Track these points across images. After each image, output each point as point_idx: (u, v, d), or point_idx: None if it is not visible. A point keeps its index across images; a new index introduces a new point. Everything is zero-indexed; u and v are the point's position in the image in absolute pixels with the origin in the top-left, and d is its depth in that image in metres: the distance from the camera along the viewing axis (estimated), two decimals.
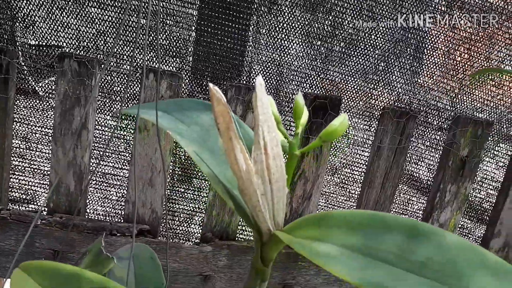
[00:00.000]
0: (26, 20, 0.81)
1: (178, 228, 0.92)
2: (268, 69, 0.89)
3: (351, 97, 0.83)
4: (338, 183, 0.92)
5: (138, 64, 0.88)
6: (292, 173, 0.34)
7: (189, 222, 0.93)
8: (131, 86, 0.84)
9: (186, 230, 0.93)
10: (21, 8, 0.83)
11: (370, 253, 0.25)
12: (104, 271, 0.40)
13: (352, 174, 0.91)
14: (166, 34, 0.83)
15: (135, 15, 0.82)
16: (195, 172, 0.93)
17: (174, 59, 0.84)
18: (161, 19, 0.82)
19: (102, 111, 0.86)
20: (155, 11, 0.80)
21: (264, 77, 0.89)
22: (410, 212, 0.97)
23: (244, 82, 0.93)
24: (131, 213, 0.85)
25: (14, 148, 0.86)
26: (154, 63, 0.87)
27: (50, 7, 0.81)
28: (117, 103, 0.84)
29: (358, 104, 0.83)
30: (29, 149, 0.87)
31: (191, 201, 0.92)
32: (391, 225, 0.29)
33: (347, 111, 0.84)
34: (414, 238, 0.25)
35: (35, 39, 0.86)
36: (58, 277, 0.27)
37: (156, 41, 0.84)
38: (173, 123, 0.39)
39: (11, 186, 0.88)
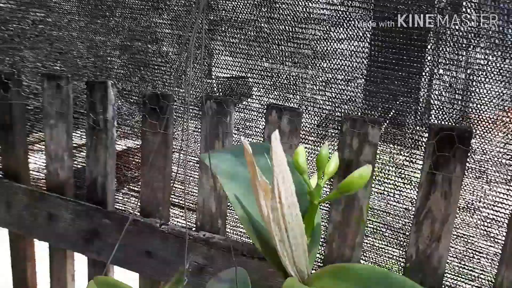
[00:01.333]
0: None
1: None
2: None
3: (486, 128, 0.72)
4: (477, 224, 0.80)
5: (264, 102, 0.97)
6: (313, 222, 0.35)
7: None
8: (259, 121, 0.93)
9: None
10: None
11: None
12: None
13: (495, 216, 0.78)
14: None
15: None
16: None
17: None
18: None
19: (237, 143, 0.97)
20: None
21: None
22: None
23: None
24: None
25: (173, 174, 1.05)
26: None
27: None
28: (251, 137, 0.94)
29: (497, 136, 0.71)
30: (184, 175, 1.05)
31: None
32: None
33: (482, 143, 0.73)
34: None
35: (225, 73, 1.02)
36: None
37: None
38: (232, 167, 0.44)
39: (171, 204, 1.07)
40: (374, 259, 0.92)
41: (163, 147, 0.98)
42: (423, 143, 0.81)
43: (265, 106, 0.87)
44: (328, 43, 0.78)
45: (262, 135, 0.98)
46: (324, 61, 0.80)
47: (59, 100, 1.08)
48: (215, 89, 0.95)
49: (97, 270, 1.09)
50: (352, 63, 0.80)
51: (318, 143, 0.89)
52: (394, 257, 0.90)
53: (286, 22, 0.81)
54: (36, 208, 1.11)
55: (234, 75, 0.95)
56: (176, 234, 0.98)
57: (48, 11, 1.07)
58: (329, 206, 0.90)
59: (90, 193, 1.08)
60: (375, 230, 0.90)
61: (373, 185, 0.84)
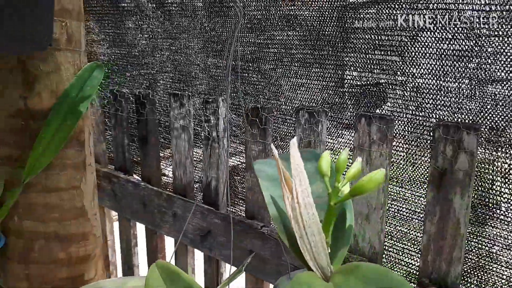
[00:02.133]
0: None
1: (391, 265, 0.92)
2: None
3: None
4: None
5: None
6: (331, 221, 0.38)
7: (401, 260, 0.91)
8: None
9: (399, 269, 0.92)
10: None
11: None
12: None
13: None
14: None
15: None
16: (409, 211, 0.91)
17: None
18: None
19: (331, 150, 1.00)
20: None
21: None
22: None
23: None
24: (353, 244, 0.93)
25: None
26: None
27: None
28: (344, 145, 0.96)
29: None
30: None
31: (407, 240, 0.91)
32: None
33: None
34: None
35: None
36: (174, 277, 0.43)
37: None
38: (275, 171, 0.49)
39: None
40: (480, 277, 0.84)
41: (263, 155, 1.07)
42: None
43: (355, 115, 0.88)
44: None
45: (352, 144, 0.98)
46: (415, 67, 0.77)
47: (182, 115, 1.25)
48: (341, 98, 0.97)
49: (209, 265, 1.22)
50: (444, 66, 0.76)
51: (412, 151, 0.86)
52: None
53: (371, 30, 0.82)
54: (164, 208, 1.30)
55: (367, 83, 0.95)
56: (275, 236, 1.05)
57: (174, 40, 1.26)
58: (423, 217, 0.86)
59: (205, 196, 1.22)
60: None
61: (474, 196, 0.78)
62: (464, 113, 0.77)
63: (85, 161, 0.69)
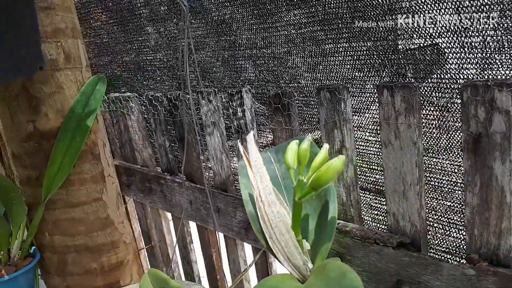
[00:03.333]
0: None
1: (438, 242, 0.85)
2: None
3: None
4: None
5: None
6: (298, 218, 0.35)
7: (448, 235, 0.84)
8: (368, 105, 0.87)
9: (446, 245, 0.85)
10: None
11: None
12: None
13: None
14: None
15: None
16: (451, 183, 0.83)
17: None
18: None
19: (359, 128, 0.94)
20: None
21: None
22: None
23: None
24: (393, 223, 0.88)
25: None
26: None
27: None
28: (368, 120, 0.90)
29: None
30: None
31: (450, 213, 0.83)
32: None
33: None
34: None
35: None
36: (162, 283, 0.43)
37: None
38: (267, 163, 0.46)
39: None
40: None
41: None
42: None
43: (376, 87, 0.82)
44: None
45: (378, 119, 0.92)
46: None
47: (212, 111, 1.26)
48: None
49: (257, 255, 1.22)
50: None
51: (444, 118, 0.78)
52: None
53: None
54: (207, 203, 1.32)
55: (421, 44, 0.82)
56: None
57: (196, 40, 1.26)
58: (463, 189, 0.78)
59: None
60: None
61: None
62: (494, 69, 0.68)
63: (103, 172, 0.71)
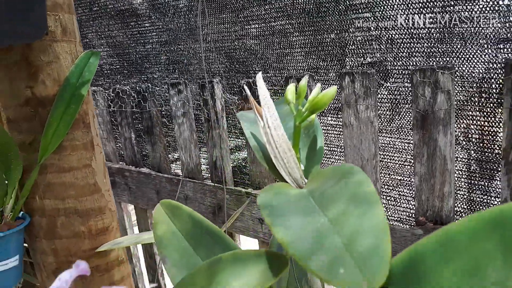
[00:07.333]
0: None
1: (390, 213, 0.97)
2: None
3: None
4: None
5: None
6: (298, 138, 0.43)
7: (399, 204, 0.96)
8: None
9: (398, 212, 0.97)
10: None
11: None
12: None
13: None
14: None
15: None
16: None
17: None
18: None
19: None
20: None
21: None
22: None
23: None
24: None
25: None
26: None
27: None
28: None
29: None
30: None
31: (403, 186, 0.96)
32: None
33: None
34: None
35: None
36: (175, 210, 0.49)
37: None
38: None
39: None
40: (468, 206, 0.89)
41: None
42: (501, 79, 0.76)
43: (339, 74, 0.94)
44: None
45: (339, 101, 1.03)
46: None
47: (181, 102, 1.32)
48: None
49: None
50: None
51: (396, 100, 0.91)
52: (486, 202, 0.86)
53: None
54: (175, 192, 1.37)
55: (346, 43, 0.99)
56: None
57: (168, 35, 1.33)
58: (412, 160, 0.91)
59: (212, 174, 1.29)
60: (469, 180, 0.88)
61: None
62: (438, 57, 0.81)
63: (92, 141, 0.76)
